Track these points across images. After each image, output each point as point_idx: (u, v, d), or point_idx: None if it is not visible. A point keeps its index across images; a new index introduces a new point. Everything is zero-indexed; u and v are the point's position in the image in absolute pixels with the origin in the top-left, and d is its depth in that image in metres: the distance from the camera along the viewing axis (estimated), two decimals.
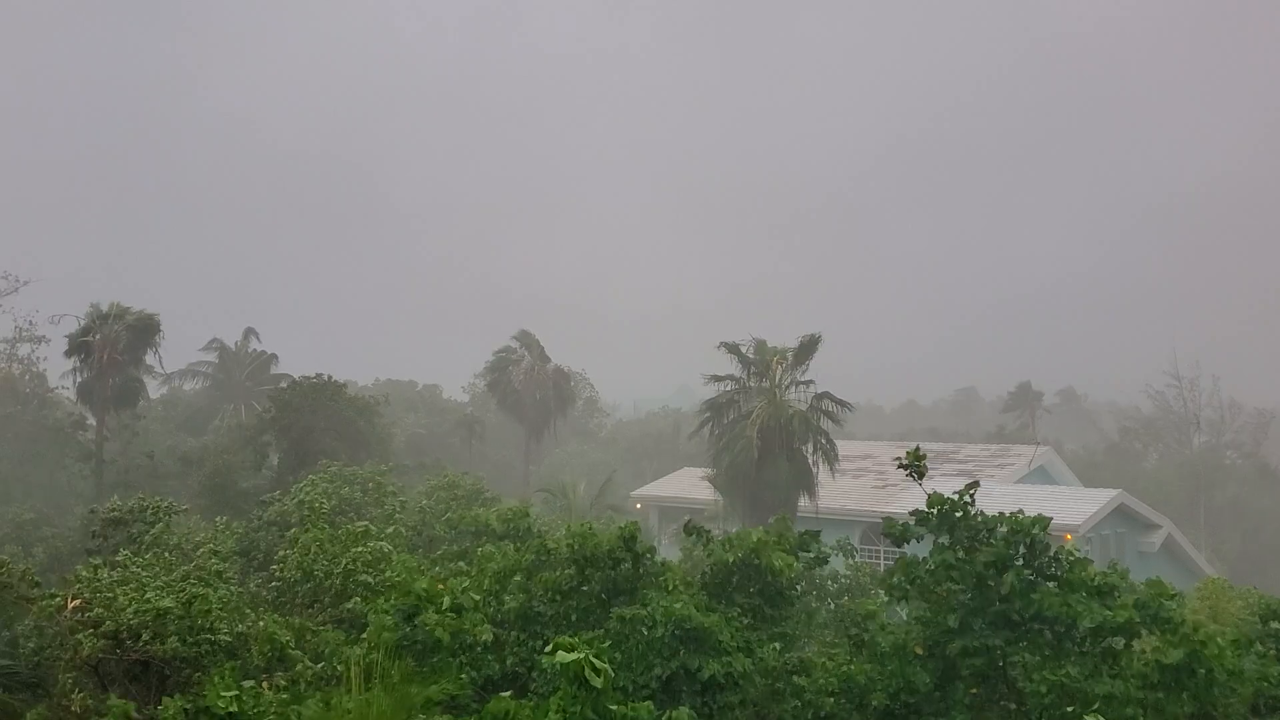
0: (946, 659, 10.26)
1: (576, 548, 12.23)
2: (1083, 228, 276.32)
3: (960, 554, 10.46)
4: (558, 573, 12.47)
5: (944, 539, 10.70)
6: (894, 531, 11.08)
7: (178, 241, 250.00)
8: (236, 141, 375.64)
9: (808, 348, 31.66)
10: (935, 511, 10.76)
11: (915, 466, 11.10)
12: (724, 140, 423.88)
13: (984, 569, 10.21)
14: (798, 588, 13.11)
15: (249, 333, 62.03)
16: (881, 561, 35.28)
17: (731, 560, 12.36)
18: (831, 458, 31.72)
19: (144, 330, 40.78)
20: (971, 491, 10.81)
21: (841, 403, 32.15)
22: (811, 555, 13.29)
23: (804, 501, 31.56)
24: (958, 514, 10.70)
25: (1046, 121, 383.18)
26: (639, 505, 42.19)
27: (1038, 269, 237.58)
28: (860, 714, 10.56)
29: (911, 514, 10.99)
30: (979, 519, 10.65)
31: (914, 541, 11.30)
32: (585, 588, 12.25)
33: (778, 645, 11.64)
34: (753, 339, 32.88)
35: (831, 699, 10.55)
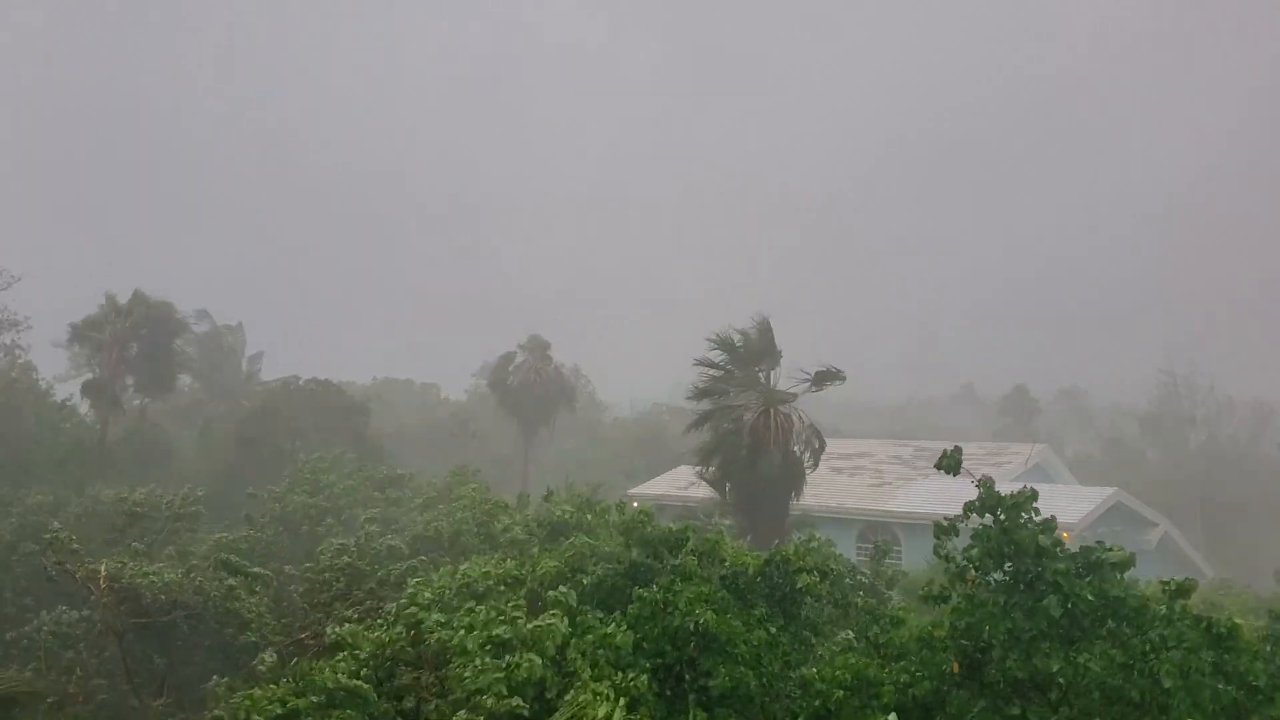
0: (979, 652, 9.92)
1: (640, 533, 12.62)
2: (1081, 226, 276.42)
3: (1002, 540, 10.08)
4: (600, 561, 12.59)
5: (988, 524, 10.29)
6: (944, 531, 10.72)
7: (175, 241, 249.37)
8: (234, 144, 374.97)
9: (763, 335, 31.21)
10: (984, 503, 10.36)
11: (950, 465, 10.91)
12: (724, 139, 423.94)
13: (1030, 565, 9.91)
14: (819, 601, 13.02)
15: (239, 328, 61.48)
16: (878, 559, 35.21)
17: (753, 569, 12.40)
18: (818, 452, 31.40)
19: (164, 321, 40.02)
20: (989, 484, 10.55)
21: (833, 374, 30.54)
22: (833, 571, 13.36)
23: (796, 499, 31.40)
24: (1007, 509, 10.28)
25: (1046, 121, 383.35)
26: (635, 504, 42.03)
27: (1036, 268, 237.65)
28: (869, 709, 10.39)
29: (965, 507, 10.64)
30: (1026, 519, 10.25)
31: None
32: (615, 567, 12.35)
33: (783, 643, 11.64)
34: (740, 330, 32.25)
35: (842, 691, 10.36)
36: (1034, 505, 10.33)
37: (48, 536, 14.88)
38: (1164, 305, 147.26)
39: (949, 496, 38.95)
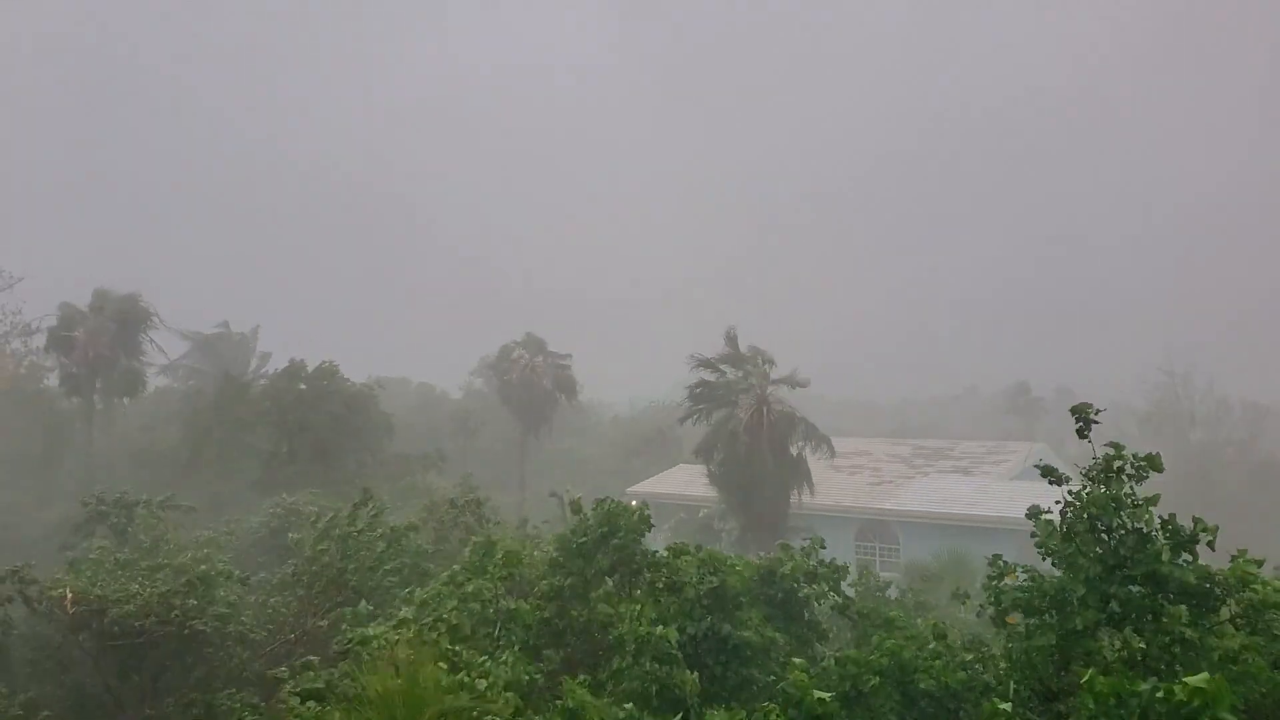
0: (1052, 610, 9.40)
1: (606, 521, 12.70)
2: (1081, 227, 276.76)
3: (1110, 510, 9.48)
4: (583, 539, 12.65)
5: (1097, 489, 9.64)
6: (1054, 476, 10.17)
7: (174, 240, 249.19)
8: (232, 144, 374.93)
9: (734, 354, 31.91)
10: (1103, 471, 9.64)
11: (1085, 417, 10.43)
12: (724, 139, 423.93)
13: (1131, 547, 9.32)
14: (818, 607, 13.01)
15: (224, 325, 62.30)
16: (876, 558, 35.21)
17: (751, 575, 12.49)
18: (822, 442, 31.62)
19: (132, 318, 40.47)
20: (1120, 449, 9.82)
21: (799, 384, 31.94)
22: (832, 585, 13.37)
23: (794, 498, 31.45)
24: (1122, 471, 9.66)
25: (1041, 124, 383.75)
26: (634, 502, 42.08)
27: (1035, 268, 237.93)
28: (903, 697, 10.16)
29: (1083, 472, 9.97)
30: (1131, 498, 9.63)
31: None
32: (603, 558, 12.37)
33: (784, 645, 11.73)
34: (730, 337, 32.73)
35: (877, 677, 10.18)
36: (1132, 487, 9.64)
37: (7, 570, 14.54)
38: (1165, 306, 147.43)
39: (948, 495, 39.08)
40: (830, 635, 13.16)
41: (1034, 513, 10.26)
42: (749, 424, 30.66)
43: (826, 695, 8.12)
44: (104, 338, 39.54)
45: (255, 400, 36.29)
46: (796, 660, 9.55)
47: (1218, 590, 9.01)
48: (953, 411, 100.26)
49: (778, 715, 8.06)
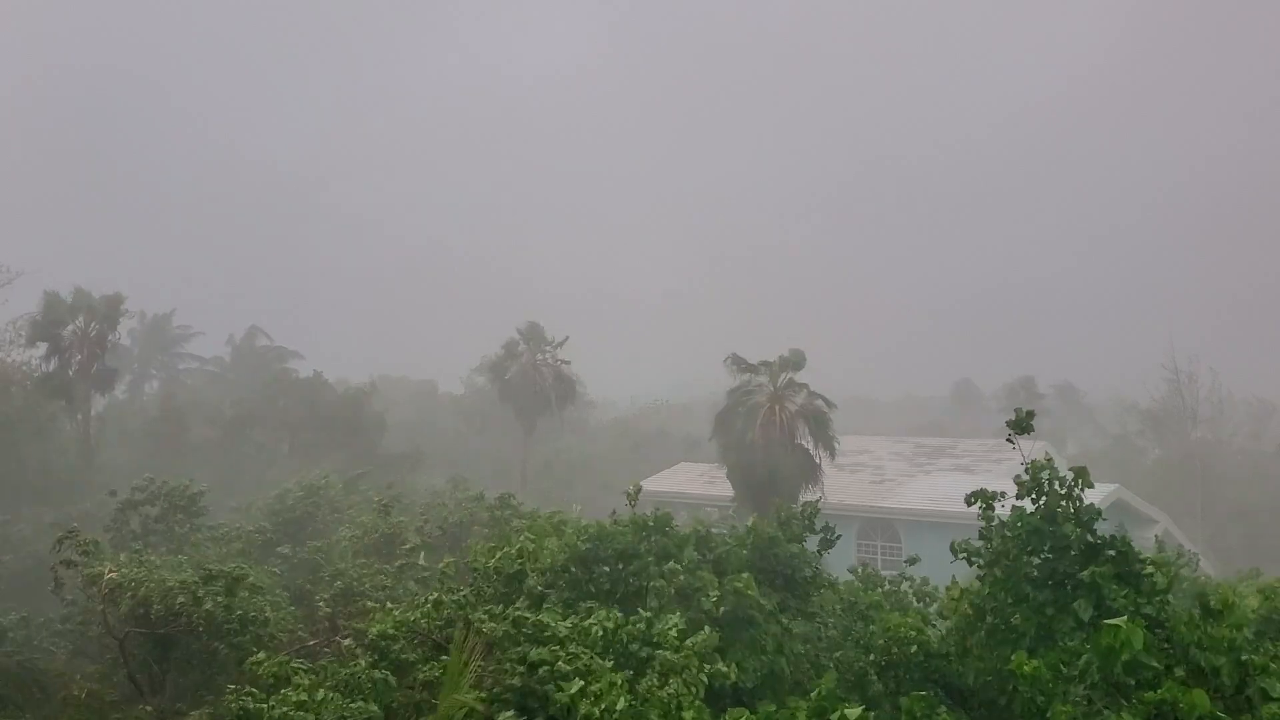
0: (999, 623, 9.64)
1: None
2: (1081, 221, 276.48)
3: (1043, 521, 9.57)
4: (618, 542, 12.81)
5: (1029, 504, 9.88)
6: (981, 497, 10.51)
7: (176, 242, 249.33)
8: (234, 148, 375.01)
9: (793, 360, 32.12)
10: (1031, 479, 9.92)
11: (1022, 424, 10.38)
12: (726, 140, 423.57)
13: (1064, 549, 9.36)
14: (817, 573, 13.27)
15: (254, 330, 62.85)
16: (878, 556, 35.19)
17: (747, 551, 12.82)
18: (831, 449, 31.84)
19: (111, 315, 40.58)
20: (1045, 465, 10.03)
21: (828, 403, 32.44)
22: (820, 537, 13.67)
23: (804, 495, 31.52)
24: (1052, 484, 9.80)
25: (1043, 116, 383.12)
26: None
27: (1036, 263, 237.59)
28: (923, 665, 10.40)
29: (1015, 479, 10.25)
30: (1070, 497, 9.75)
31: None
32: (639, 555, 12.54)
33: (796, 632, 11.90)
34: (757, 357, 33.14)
35: (914, 648, 10.54)
36: (1079, 494, 9.73)
37: (63, 534, 14.69)
38: (1167, 304, 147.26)
39: (950, 493, 39.11)
40: (830, 586, 13.37)
41: (962, 548, 10.50)
42: (762, 422, 30.79)
43: (855, 713, 8.00)
44: (89, 336, 39.58)
45: (253, 401, 36.48)
46: (826, 680, 9.48)
47: (1172, 639, 8.56)
48: (953, 409, 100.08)
49: (806, 715, 8.20)
